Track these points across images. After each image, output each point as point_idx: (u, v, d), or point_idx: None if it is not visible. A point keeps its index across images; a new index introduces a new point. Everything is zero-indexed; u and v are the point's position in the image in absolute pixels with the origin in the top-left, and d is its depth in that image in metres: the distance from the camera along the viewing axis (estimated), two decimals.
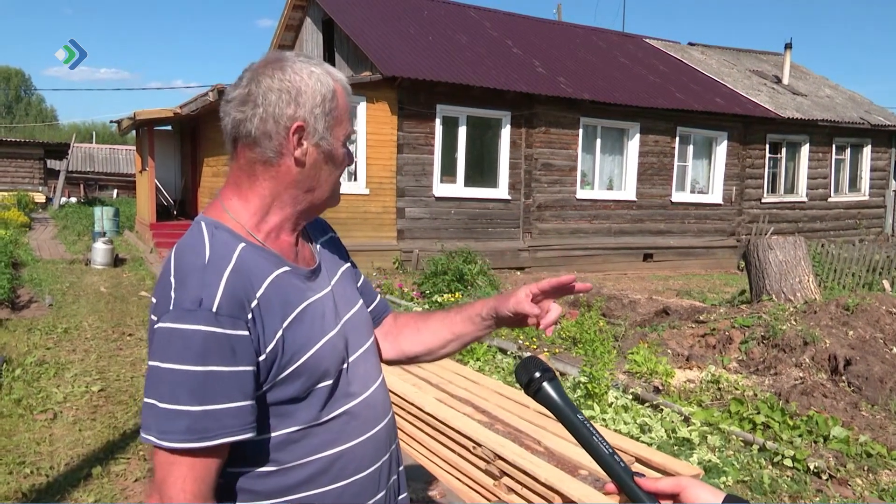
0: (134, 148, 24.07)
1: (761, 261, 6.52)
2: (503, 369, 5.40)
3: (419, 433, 3.62)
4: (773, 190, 16.27)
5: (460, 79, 11.89)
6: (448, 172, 12.30)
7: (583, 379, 4.54)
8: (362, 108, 11.29)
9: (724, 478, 3.52)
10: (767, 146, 15.80)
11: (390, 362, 1.41)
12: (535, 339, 6.29)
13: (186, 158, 16.71)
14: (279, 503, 1.09)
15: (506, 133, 12.62)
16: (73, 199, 26.54)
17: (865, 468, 3.74)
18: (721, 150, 15.09)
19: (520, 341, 6.14)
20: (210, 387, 0.99)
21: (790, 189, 16.60)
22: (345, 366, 1.17)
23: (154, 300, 1.05)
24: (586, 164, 13.65)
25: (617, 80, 14.58)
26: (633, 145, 13.98)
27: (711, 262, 14.86)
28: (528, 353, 5.65)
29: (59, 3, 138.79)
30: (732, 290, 9.85)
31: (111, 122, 18.91)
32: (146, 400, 1.00)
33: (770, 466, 3.76)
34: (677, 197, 14.60)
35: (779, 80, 18.20)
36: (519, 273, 12.22)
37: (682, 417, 4.29)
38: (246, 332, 1.02)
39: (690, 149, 14.80)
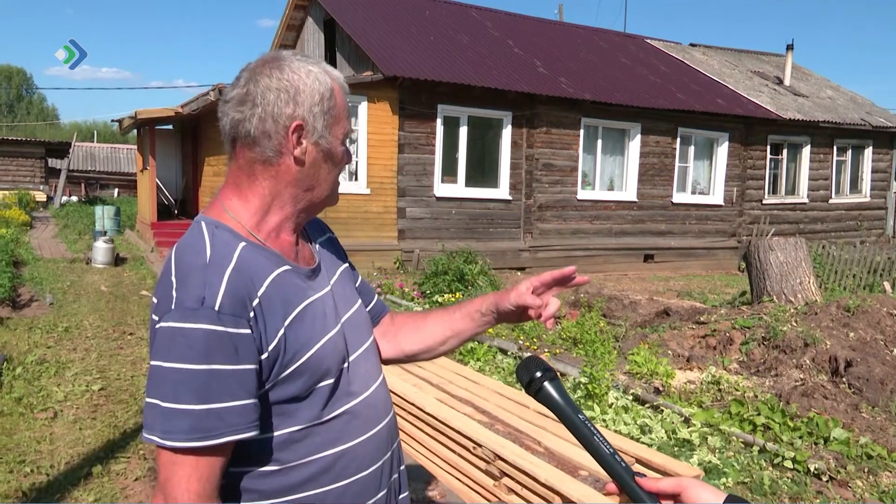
0: (135, 147, 24.10)
1: (762, 262, 6.52)
2: (503, 370, 5.40)
3: (419, 433, 3.62)
4: (775, 191, 16.26)
5: (462, 79, 11.89)
6: (449, 172, 12.30)
7: (583, 379, 4.54)
8: (363, 107, 11.30)
9: (725, 479, 3.52)
10: (769, 147, 15.79)
11: (389, 361, 1.41)
12: (535, 340, 6.29)
13: (187, 158, 16.73)
14: (281, 502, 1.09)
15: (507, 133, 12.62)
16: (74, 198, 26.55)
17: (866, 470, 3.74)
18: (722, 151, 15.08)
19: (520, 342, 6.14)
20: (213, 385, 0.99)
21: (791, 190, 16.59)
22: (345, 365, 1.17)
23: (155, 300, 1.05)
24: (587, 164, 13.64)
25: (618, 80, 14.58)
26: (634, 146, 13.97)
27: (712, 263, 14.85)
28: (529, 354, 5.65)
29: (61, 3, 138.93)
30: (733, 292, 9.85)
31: (112, 121, 18.91)
32: (148, 400, 1.00)
33: (770, 468, 3.75)
34: (678, 198, 14.59)
35: (780, 81, 18.19)
36: (520, 273, 12.22)
37: (683, 418, 4.29)
38: (248, 331, 1.02)
39: (691, 149, 14.79)
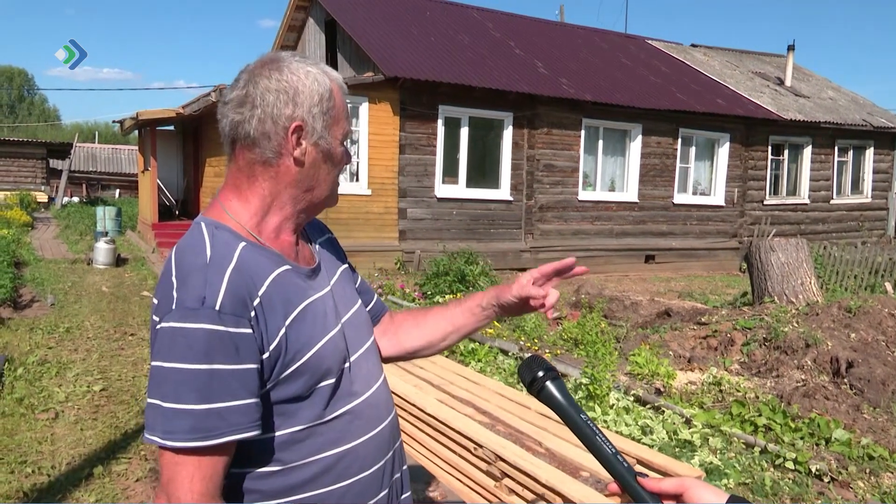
0: (136, 148, 24.13)
1: (763, 263, 6.51)
2: (504, 370, 5.40)
3: (420, 434, 3.62)
4: (776, 192, 16.25)
5: (462, 79, 11.89)
6: (450, 173, 12.30)
7: (584, 380, 4.54)
8: (364, 108, 11.30)
9: (726, 480, 3.51)
10: (770, 148, 15.78)
11: (390, 359, 1.42)
12: (536, 341, 6.29)
13: (189, 158, 16.74)
14: (283, 503, 1.09)
15: (508, 134, 12.62)
16: (76, 199, 26.55)
17: (867, 471, 3.73)
18: (723, 152, 15.08)
19: (521, 342, 6.13)
20: (215, 385, 0.98)
21: (792, 191, 16.58)
22: (346, 365, 1.17)
23: (156, 301, 1.05)
24: (588, 165, 13.64)
25: (619, 81, 14.58)
26: (635, 146, 13.97)
27: (713, 264, 14.84)
28: (531, 354, 5.65)
29: (62, 4, 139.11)
30: (734, 292, 9.84)
31: (114, 122, 18.94)
32: (150, 400, 1.00)
33: (772, 469, 3.75)
34: (679, 198, 14.59)
35: (781, 82, 18.19)
36: (520, 274, 12.21)
37: (684, 419, 4.28)
38: (249, 330, 1.02)
39: (692, 150, 14.79)
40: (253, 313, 1.03)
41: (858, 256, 10.60)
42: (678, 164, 14.47)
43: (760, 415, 4.25)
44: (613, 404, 4.39)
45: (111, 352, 6.04)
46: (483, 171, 12.72)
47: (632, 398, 4.55)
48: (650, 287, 11.45)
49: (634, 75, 15.28)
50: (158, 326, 1.02)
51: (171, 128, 17.18)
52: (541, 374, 1.02)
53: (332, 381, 1.13)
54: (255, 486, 1.08)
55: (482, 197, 12.50)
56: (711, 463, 3.66)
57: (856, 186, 17.77)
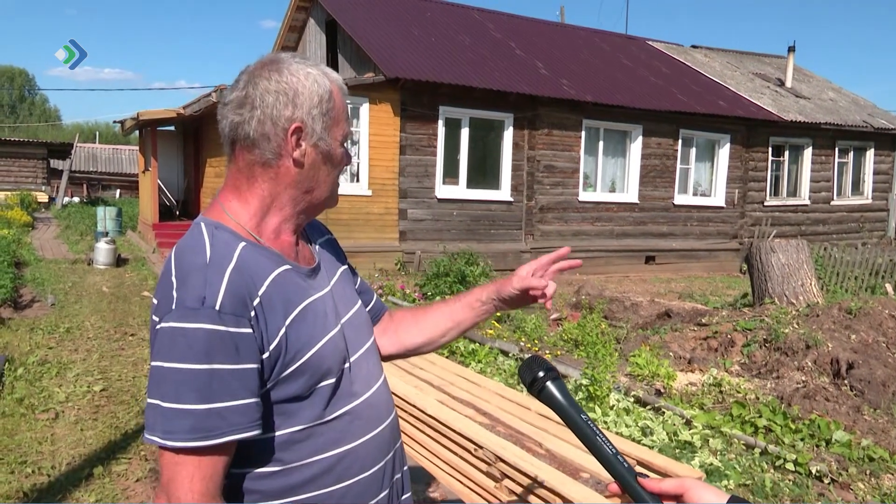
0: (137, 148, 24.14)
1: (764, 264, 6.51)
2: (505, 371, 5.40)
3: (420, 435, 3.62)
4: (776, 193, 16.25)
5: (463, 80, 11.89)
6: (450, 174, 12.30)
7: (584, 381, 4.54)
8: (365, 109, 11.30)
9: (726, 481, 3.51)
10: (770, 149, 15.78)
11: (391, 356, 1.43)
12: (536, 342, 6.29)
13: (189, 159, 16.74)
14: (284, 503, 1.09)
15: (508, 135, 12.62)
16: (76, 199, 26.57)
17: (867, 472, 3.73)
18: (724, 153, 15.08)
19: (521, 343, 6.13)
20: (215, 385, 0.98)
21: (793, 192, 16.58)
22: (347, 365, 1.17)
23: (155, 301, 1.05)
24: (589, 166, 13.64)
25: (620, 82, 14.58)
26: (636, 147, 13.97)
27: (714, 265, 14.84)
28: (531, 354, 5.65)
29: (63, 4, 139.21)
30: (735, 293, 9.84)
31: (114, 122, 18.95)
32: (150, 400, 1.00)
33: (772, 470, 3.75)
34: (680, 199, 14.59)
35: (782, 83, 18.19)
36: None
37: (684, 420, 4.28)
38: (249, 330, 1.02)
39: (693, 151, 14.79)
40: (253, 313, 1.03)
41: (859, 258, 10.60)
42: (679, 165, 14.47)
43: (761, 416, 4.24)
44: (614, 405, 4.39)
45: (111, 352, 6.04)
46: (483, 172, 12.72)
47: (632, 399, 4.55)
48: (650, 288, 11.45)
49: (635, 76, 15.28)
50: (158, 326, 1.02)
51: (172, 128, 17.18)
52: (541, 374, 1.02)
53: (332, 381, 1.13)
54: (255, 487, 1.08)
55: (483, 198, 12.50)
56: (712, 464, 3.66)
57: (856, 188, 17.77)
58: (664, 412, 4.40)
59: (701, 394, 4.75)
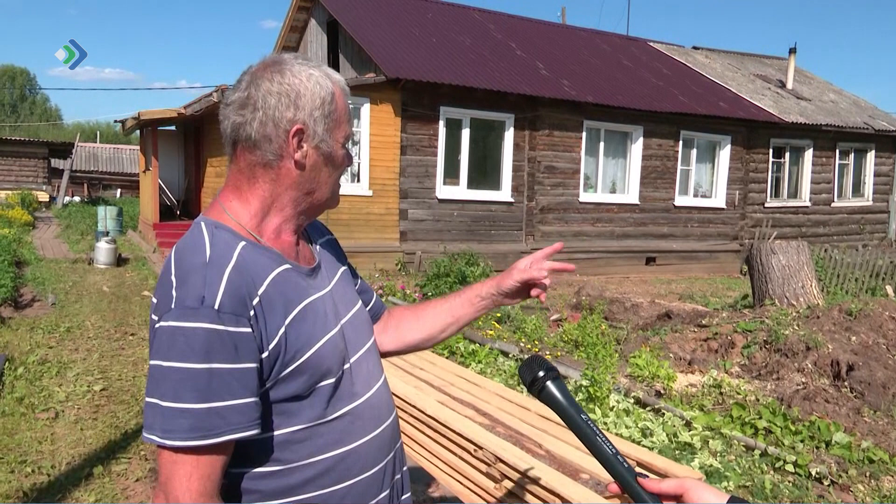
0: (138, 148, 24.15)
1: (764, 265, 6.51)
2: (505, 372, 5.40)
3: (420, 435, 3.62)
4: (777, 194, 16.25)
5: (464, 81, 11.90)
6: (451, 174, 12.30)
7: (584, 382, 4.54)
8: (366, 109, 11.30)
9: (726, 483, 3.51)
10: (771, 150, 15.78)
11: (390, 353, 1.43)
12: (536, 342, 6.29)
13: (190, 158, 16.75)
14: (283, 503, 1.09)
15: (509, 135, 12.63)
16: (77, 199, 26.56)
17: (867, 474, 3.73)
18: (724, 154, 15.08)
19: (521, 344, 6.13)
20: (214, 384, 0.98)
21: (793, 194, 16.57)
22: (347, 365, 1.17)
23: (155, 300, 1.05)
24: (589, 167, 13.64)
25: (620, 83, 14.58)
26: (637, 148, 13.97)
27: (714, 266, 14.84)
28: (531, 355, 5.65)
29: (64, 4, 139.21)
30: (735, 295, 9.84)
31: (115, 121, 18.97)
32: (149, 399, 1.00)
33: (772, 472, 3.75)
34: (680, 201, 14.59)
35: (783, 85, 18.19)
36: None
37: (684, 422, 4.28)
38: (249, 330, 1.02)
39: (694, 152, 14.79)
40: (252, 312, 1.03)
41: (859, 259, 10.60)
42: (679, 167, 14.46)
43: (761, 417, 4.24)
44: (613, 406, 4.39)
45: (112, 351, 6.04)
46: (484, 173, 12.73)
47: (632, 400, 4.55)
48: (651, 289, 11.45)
49: (636, 77, 15.28)
50: (158, 325, 1.02)
51: (173, 128, 17.19)
52: (541, 374, 1.02)
53: (332, 380, 1.13)
54: (255, 486, 1.08)
55: (483, 198, 12.50)
56: (711, 465, 3.66)
57: (857, 189, 17.77)
58: (664, 413, 4.40)
59: (701, 395, 4.75)
